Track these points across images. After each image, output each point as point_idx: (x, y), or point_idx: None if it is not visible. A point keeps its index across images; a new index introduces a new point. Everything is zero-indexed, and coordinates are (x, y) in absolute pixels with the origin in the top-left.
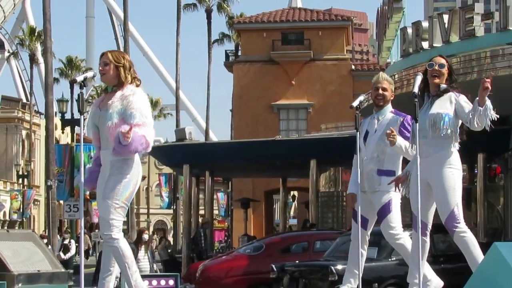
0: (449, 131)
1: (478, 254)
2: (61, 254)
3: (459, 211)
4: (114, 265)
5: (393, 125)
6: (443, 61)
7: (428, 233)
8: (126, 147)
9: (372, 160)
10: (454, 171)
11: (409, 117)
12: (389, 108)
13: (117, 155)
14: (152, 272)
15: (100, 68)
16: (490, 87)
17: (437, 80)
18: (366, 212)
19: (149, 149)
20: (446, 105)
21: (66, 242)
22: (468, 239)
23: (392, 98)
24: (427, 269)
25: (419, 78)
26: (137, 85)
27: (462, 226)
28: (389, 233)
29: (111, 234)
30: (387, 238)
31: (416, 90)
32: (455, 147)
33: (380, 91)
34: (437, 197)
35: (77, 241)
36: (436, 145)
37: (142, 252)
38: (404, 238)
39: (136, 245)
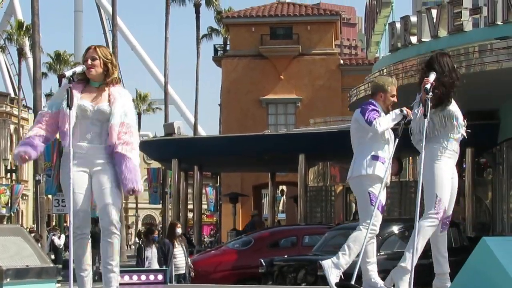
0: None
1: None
2: (55, 239)
3: None
4: (90, 262)
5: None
6: None
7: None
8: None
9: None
10: None
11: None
12: None
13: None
14: (188, 268)
15: (89, 63)
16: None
17: None
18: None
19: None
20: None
21: (55, 237)
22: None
23: None
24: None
25: (432, 76)
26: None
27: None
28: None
29: (119, 222)
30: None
31: (428, 86)
32: None
33: (395, 99)
34: (453, 196)
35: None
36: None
37: (178, 248)
38: None
39: (170, 240)
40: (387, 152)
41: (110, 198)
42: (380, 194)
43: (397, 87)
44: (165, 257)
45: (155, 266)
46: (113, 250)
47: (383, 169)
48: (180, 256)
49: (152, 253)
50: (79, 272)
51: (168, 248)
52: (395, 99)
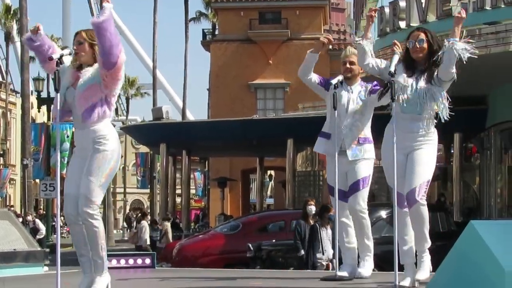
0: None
1: (427, 227)
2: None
3: (427, 187)
4: (85, 246)
5: (364, 92)
6: (422, 36)
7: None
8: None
9: (351, 129)
10: (435, 149)
11: (375, 82)
12: (358, 81)
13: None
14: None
15: (75, 47)
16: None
17: (420, 55)
18: (342, 184)
19: (122, 58)
20: (431, 82)
21: (32, 226)
22: (425, 210)
23: (361, 71)
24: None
25: (396, 57)
26: None
27: (425, 200)
28: (357, 209)
29: (92, 212)
30: (353, 212)
31: (392, 69)
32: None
33: (348, 65)
34: (413, 167)
35: (53, 220)
36: (421, 121)
37: (328, 231)
38: (367, 216)
39: (320, 223)
40: (333, 123)
41: (83, 188)
42: (329, 170)
43: (349, 53)
44: (301, 240)
45: (330, 249)
46: (91, 237)
47: (321, 143)
48: (326, 243)
49: (327, 234)
50: (78, 256)
51: (305, 230)
52: (347, 66)
